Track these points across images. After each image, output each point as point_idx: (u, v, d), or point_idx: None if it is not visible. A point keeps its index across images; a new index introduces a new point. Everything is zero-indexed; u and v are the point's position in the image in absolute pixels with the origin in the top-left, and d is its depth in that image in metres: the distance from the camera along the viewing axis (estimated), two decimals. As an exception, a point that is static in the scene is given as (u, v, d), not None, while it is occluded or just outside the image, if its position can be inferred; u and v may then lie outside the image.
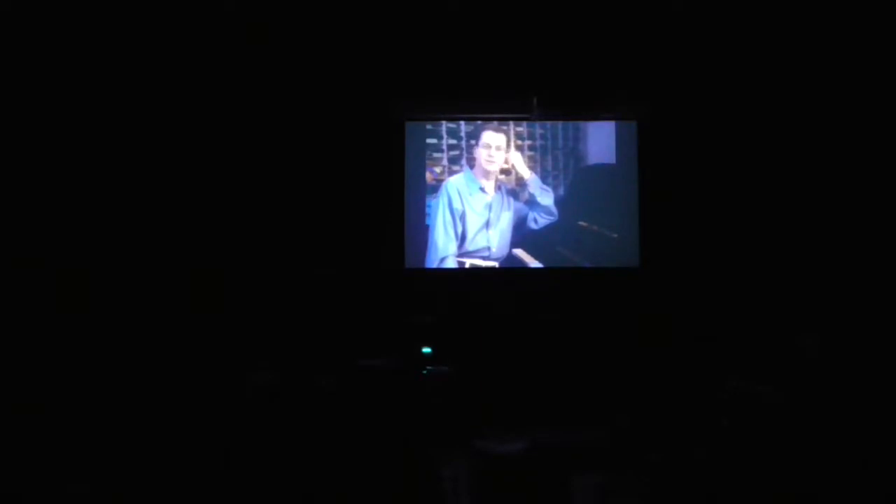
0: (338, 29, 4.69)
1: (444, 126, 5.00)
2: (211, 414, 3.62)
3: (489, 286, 4.91)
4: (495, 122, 4.99)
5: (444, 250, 4.94)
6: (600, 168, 5.01)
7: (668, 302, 4.75)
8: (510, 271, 4.95)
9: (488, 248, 4.94)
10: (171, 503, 2.91)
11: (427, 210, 4.96)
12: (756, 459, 3.23)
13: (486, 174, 4.97)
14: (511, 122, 4.99)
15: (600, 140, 5.01)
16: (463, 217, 4.95)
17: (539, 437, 3.50)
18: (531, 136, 5.00)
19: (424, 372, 4.27)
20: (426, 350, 4.43)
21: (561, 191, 4.98)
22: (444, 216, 4.95)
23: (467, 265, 4.94)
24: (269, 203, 4.81)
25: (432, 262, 4.94)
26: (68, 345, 4.12)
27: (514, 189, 4.97)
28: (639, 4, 4.59)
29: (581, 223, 4.97)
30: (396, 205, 4.93)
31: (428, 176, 4.99)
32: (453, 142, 5.00)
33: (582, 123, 5.01)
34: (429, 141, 5.00)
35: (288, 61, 4.79)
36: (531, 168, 4.97)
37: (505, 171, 4.98)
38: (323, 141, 4.87)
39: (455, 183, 4.97)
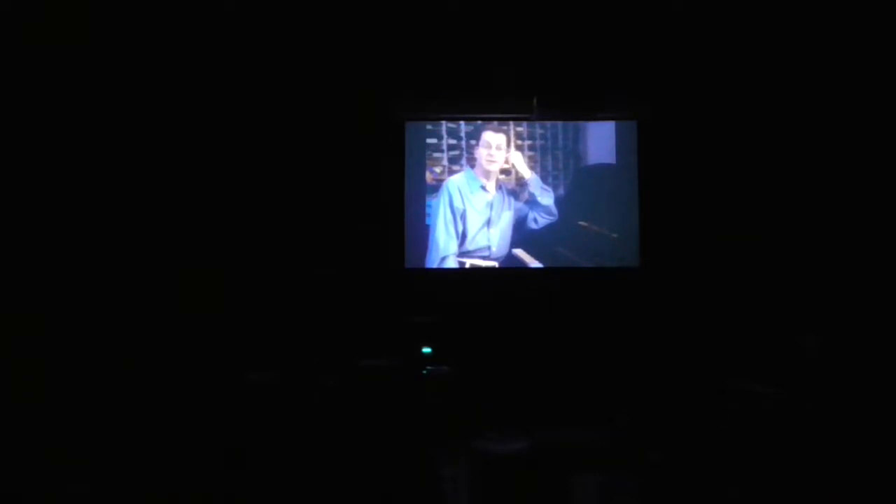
0: (338, 29, 4.69)
1: (444, 126, 5.00)
2: (212, 413, 3.62)
3: (489, 286, 4.91)
4: (495, 122, 4.99)
5: (444, 249, 4.93)
6: (600, 168, 5.00)
7: (668, 302, 4.75)
8: (510, 271, 4.95)
9: (489, 248, 4.94)
10: (171, 503, 2.91)
11: (427, 210, 4.96)
12: (756, 459, 3.23)
13: (487, 174, 4.97)
14: (511, 122, 4.99)
15: (600, 140, 5.01)
16: (464, 216, 4.95)
17: (539, 437, 3.51)
18: (531, 136, 5.00)
19: (424, 372, 4.28)
20: (426, 350, 4.44)
21: (561, 191, 4.98)
22: (444, 215, 4.95)
23: (467, 265, 4.93)
24: (269, 203, 4.81)
25: (433, 261, 4.94)
26: (70, 345, 4.12)
27: (515, 189, 4.97)
28: (639, 4, 4.59)
29: (581, 223, 4.97)
30: (396, 205, 4.93)
31: (428, 176, 4.99)
32: (453, 142, 5.00)
33: (582, 123, 5.00)
34: (429, 141, 5.00)
35: (288, 61, 4.79)
36: (531, 168, 4.97)
37: (505, 171, 4.98)
38: (323, 141, 4.87)
39: (456, 182, 4.97)
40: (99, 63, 4.51)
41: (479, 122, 4.99)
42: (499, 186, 4.97)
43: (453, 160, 4.99)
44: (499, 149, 4.97)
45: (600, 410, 3.96)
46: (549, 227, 4.96)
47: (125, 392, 3.82)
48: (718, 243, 4.78)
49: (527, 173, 4.96)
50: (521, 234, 4.96)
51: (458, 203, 4.96)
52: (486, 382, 4.27)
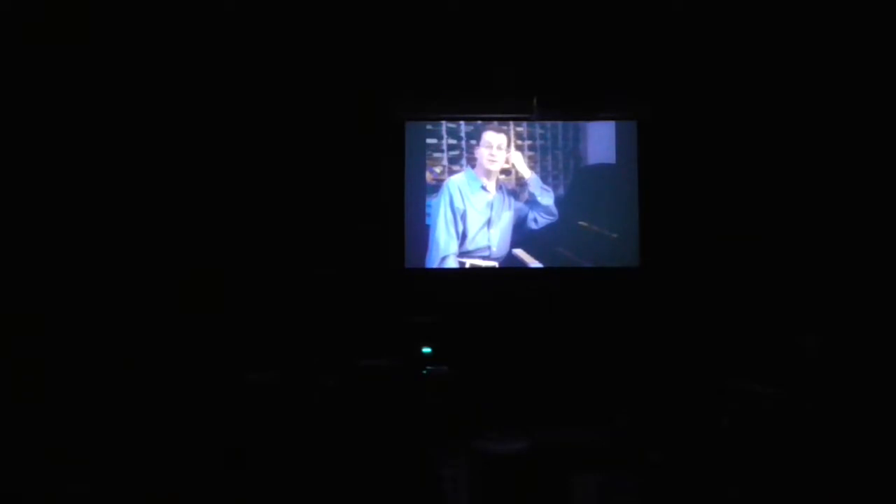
0: (338, 29, 4.69)
1: (444, 126, 5.00)
2: (212, 413, 3.62)
3: (489, 286, 4.90)
4: (496, 122, 4.99)
5: (445, 249, 4.93)
6: (600, 168, 5.00)
7: (668, 302, 4.75)
8: (510, 271, 4.95)
9: (489, 248, 4.94)
10: (171, 503, 2.91)
11: (427, 210, 4.96)
12: (756, 459, 3.23)
13: (488, 174, 4.97)
14: (511, 122, 4.99)
15: (600, 140, 5.00)
16: (464, 216, 4.95)
17: (539, 437, 3.51)
18: (531, 136, 4.99)
19: (424, 372, 4.28)
20: (426, 350, 4.44)
21: (561, 191, 4.98)
22: (445, 214, 4.95)
23: (468, 265, 4.93)
24: (269, 203, 4.81)
25: (433, 261, 4.94)
26: (70, 345, 4.12)
27: (515, 189, 4.97)
28: (639, 4, 4.59)
29: (581, 223, 4.97)
30: (396, 205, 4.93)
31: (428, 176, 4.99)
32: (453, 142, 5.00)
33: (582, 123, 5.00)
34: (429, 141, 5.00)
35: (288, 61, 4.79)
36: (531, 168, 4.97)
37: (505, 171, 4.98)
38: (323, 141, 4.87)
39: (457, 181, 4.97)
40: (99, 63, 4.51)
41: (479, 122, 4.99)
42: (499, 186, 4.97)
43: (453, 160, 4.99)
44: (499, 149, 4.97)
45: (600, 410, 3.97)
46: (549, 227, 4.96)
47: (125, 392, 3.82)
48: (718, 243, 4.78)
49: (527, 173, 4.96)
50: (521, 234, 4.96)
51: (458, 203, 4.96)
52: (486, 382, 4.28)
